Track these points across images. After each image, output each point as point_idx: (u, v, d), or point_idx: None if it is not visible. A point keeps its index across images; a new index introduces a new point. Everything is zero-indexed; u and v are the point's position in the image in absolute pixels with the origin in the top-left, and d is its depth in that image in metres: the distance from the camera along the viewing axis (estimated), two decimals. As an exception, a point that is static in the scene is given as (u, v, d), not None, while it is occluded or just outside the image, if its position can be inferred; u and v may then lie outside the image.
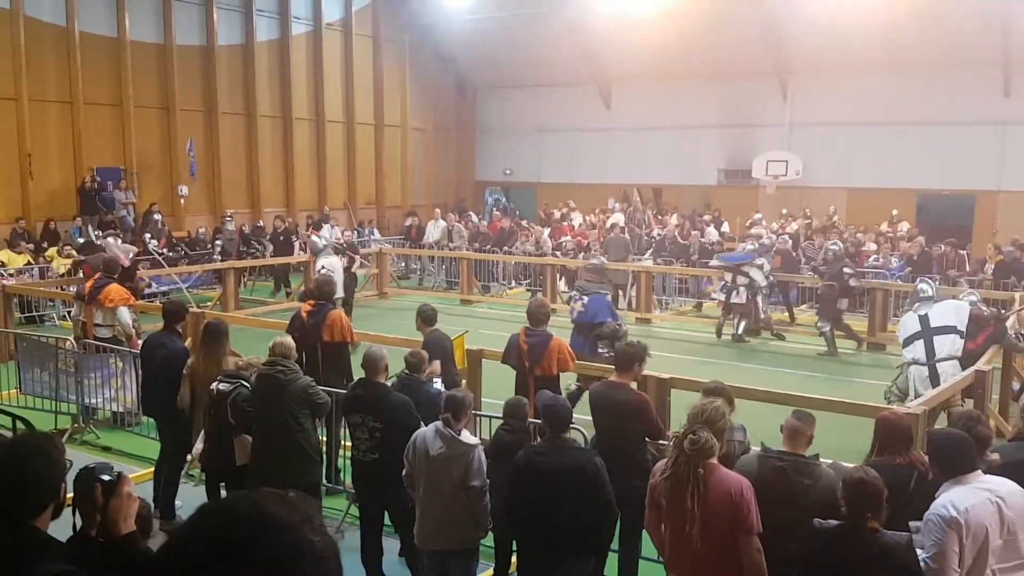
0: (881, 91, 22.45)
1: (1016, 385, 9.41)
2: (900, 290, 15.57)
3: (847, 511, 3.92)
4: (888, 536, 3.86)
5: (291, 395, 5.96)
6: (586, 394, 6.43)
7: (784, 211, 22.22)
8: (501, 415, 5.78)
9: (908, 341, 8.91)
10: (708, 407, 4.36)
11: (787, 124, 24.29)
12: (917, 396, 8.49)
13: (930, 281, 10.17)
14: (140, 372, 8.31)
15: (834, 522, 3.96)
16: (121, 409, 9.35)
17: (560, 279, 17.92)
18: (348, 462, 7.30)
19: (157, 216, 19.69)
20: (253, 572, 1.22)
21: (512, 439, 5.40)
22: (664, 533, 4.25)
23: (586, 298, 9.54)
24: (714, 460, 4.11)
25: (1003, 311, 10.26)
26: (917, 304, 9.24)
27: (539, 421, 6.46)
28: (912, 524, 4.04)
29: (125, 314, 9.96)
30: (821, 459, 4.61)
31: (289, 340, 6.39)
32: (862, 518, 3.85)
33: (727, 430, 4.41)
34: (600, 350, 9.17)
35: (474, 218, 23.87)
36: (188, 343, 8.37)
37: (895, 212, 21.40)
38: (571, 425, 5.38)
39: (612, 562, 5.84)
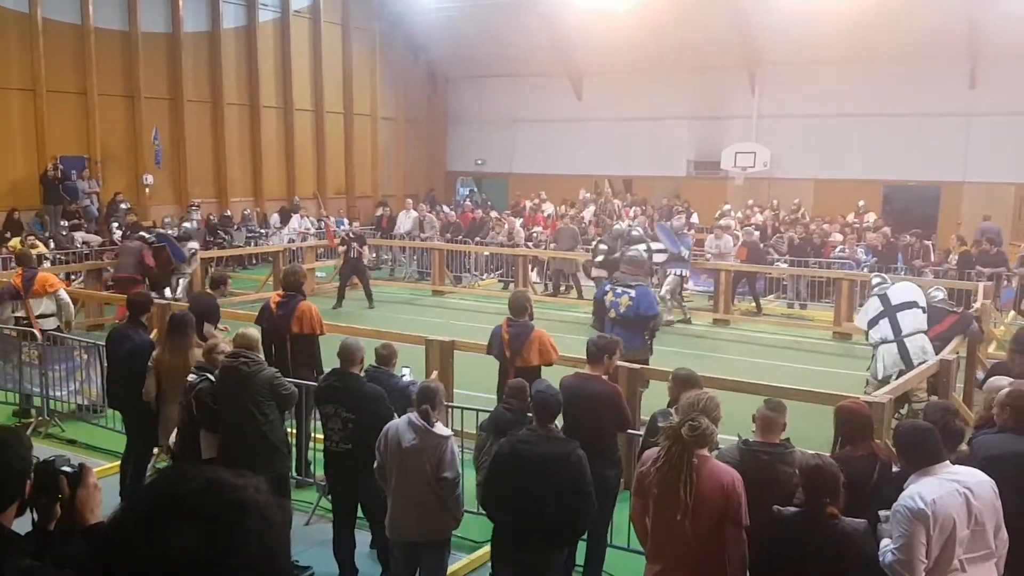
0: (848, 83, 22.69)
1: (980, 374, 9.56)
2: (866, 280, 15.79)
3: (805, 498, 3.96)
4: (846, 523, 3.89)
5: (255, 387, 5.90)
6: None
7: (751, 202, 22.39)
8: (478, 406, 5.82)
9: (873, 322, 8.97)
10: (703, 397, 4.35)
11: (755, 116, 24.46)
12: (887, 376, 8.54)
13: (882, 275, 10.39)
14: (105, 364, 8.20)
15: (793, 508, 4.00)
16: (86, 402, 9.24)
17: (532, 270, 17.94)
18: (319, 454, 7.27)
19: (125, 205, 19.44)
20: (197, 523, 1.28)
21: (511, 418, 5.55)
22: (649, 522, 4.26)
23: (633, 291, 9.15)
24: (706, 451, 4.11)
25: (972, 305, 10.43)
26: (874, 290, 9.39)
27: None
28: (881, 513, 4.07)
29: (65, 295, 9.91)
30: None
31: (253, 331, 6.31)
32: (820, 504, 3.89)
33: (719, 421, 4.40)
34: (648, 342, 9.16)
35: (445, 209, 23.79)
36: (154, 335, 8.27)
37: (862, 203, 21.65)
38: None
39: (579, 550, 5.88)
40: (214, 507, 1.30)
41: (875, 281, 9.71)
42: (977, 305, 10.89)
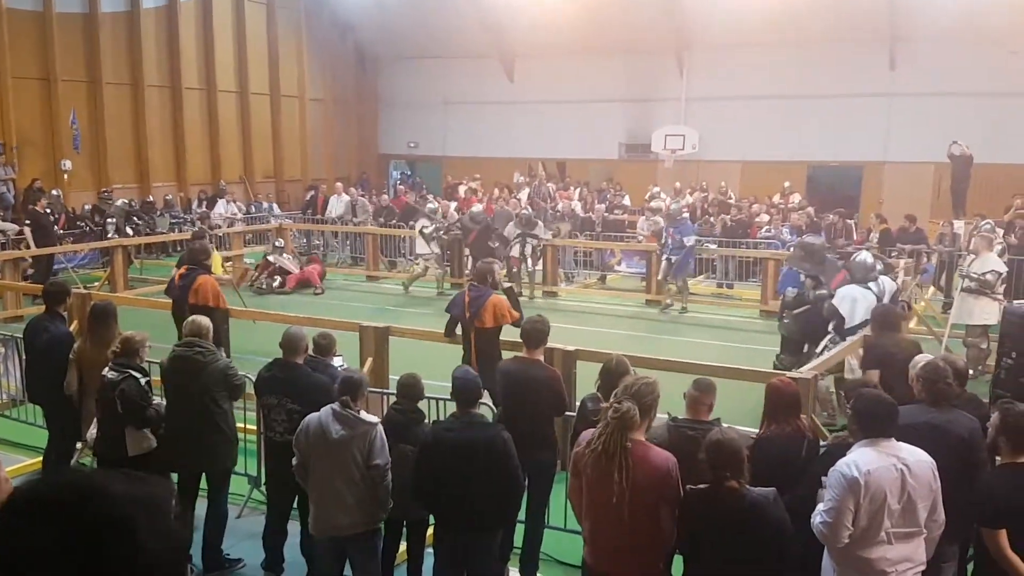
0: (773, 65, 23.05)
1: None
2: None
3: (709, 473, 4.06)
4: (754, 493, 4.00)
5: (210, 376, 5.76)
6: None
7: (678, 185, 22.51)
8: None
9: (854, 329, 8.53)
10: (639, 382, 4.39)
11: (684, 99, 24.72)
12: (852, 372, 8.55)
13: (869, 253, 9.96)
14: (24, 357, 7.90)
15: (703, 485, 4.10)
16: (4, 396, 8.90)
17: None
18: (251, 446, 7.12)
19: (56, 192, 18.77)
20: (60, 530, 1.23)
21: (402, 419, 5.29)
22: (584, 502, 4.29)
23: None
24: (641, 436, 4.16)
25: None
26: (871, 283, 8.79)
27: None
28: (824, 479, 4.19)
29: None
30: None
31: (201, 319, 6.14)
32: (722, 478, 3.99)
33: (655, 406, 4.42)
34: (783, 319, 9.91)
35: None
36: (75, 326, 8.00)
37: (787, 184, 22.07)
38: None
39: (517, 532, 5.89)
40: (84, 518, 1.24)
41: (866, 258, 9.06)
42: (899, 282, 11.19)
